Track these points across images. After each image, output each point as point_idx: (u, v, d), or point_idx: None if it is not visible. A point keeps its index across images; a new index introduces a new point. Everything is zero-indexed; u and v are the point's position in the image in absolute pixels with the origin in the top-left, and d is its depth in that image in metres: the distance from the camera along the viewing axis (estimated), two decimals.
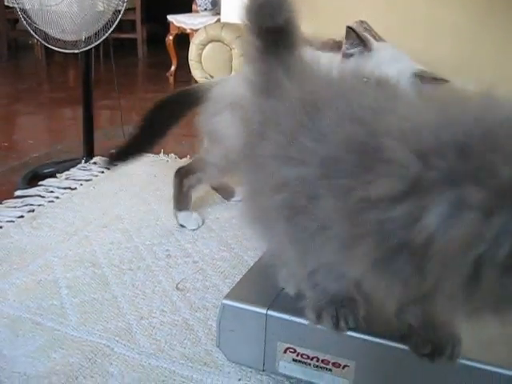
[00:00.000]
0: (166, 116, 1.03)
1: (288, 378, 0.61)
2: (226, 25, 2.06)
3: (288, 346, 0.59)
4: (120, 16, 2.03)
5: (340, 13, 2.46)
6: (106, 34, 1.91)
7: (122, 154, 1.05)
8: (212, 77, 2.03)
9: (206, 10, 3.90)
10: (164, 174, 1.20)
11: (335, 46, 2.32)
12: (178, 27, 3.90)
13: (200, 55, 2.00)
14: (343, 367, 0.57)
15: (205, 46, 1.99)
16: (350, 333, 0.56)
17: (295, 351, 0.59)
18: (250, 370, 0.63)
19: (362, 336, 0.56)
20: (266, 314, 0.59)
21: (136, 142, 1.03)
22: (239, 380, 0.62)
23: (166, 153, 1.33)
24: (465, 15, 2.26)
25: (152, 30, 4.96)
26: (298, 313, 0.58)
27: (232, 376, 0.62)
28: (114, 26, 1.94)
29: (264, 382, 0.61)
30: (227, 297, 0.61)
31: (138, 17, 4.73)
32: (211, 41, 1.98)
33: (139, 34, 4.91)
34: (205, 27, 2.02)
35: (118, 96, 1.96)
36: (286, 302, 0.60)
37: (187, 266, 0.84)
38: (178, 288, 0.79)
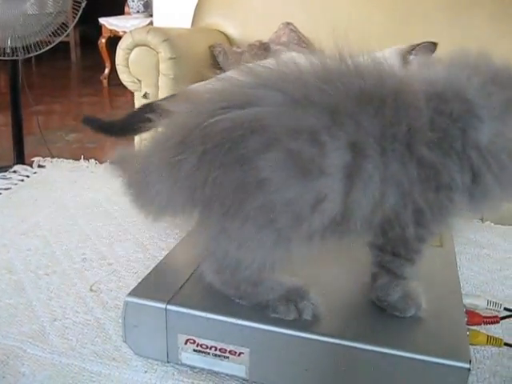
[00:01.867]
0: None
1: (191, 367, 0.65)
2: (153, 29, 2.08)
3: (188, 337, 0.63)
4: (71, 27, 2.01)
5: (266, 15, 2.52)
6: (59, 39, 1.90)
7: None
8: (139, 81, 2.05)
9: (138, 12, 3.90)
10: (84, 180, 1.22)
11: (262, 48, 2.38)
12: (111, 30, 3.90)
13: (127, 59, 2.01)
14: (239, 354, 0.62)
15: (131, 50, 2.00)
16: (241, 321, 0.61)
17: (195, 342, 0.63)
18: (156, 362, 0.67)
19: (252, 324, 0.61)
20: (166, 309, 0.63)
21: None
22: (145, 372, 0.65)
23: (86, 158, 1.35)
24: (396, 15, 2.36)
25: (85, 33, 4.92)
26: (196, 306, 0.63)
27: (139, 369, 0.66)
28: (68, 30, 1.94)
29: (169, 372, 0.65)
30: (130, 294, 0.65)
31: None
32: (137, 45, 1.99)
33: (72, 37, 4.87)
34: (131, 31, 2.04)
35: (31, 103, 1.97)
36: (184, 296, 0.65)
37: (102, 269, 0.87)
38: (91, 290, 0.82)
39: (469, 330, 0.67)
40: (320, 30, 2.40)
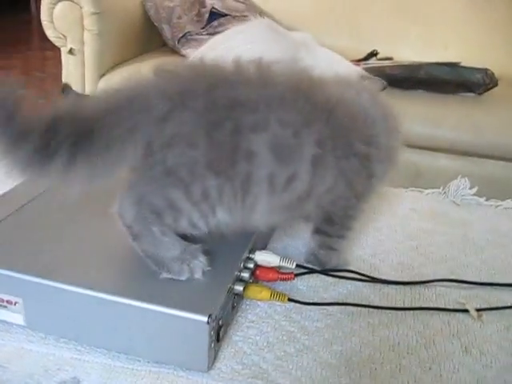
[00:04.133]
0: None
1: None
2: None
3: None
4: None
5: None
6: None
7: None
8: (65, 36, 2.04)
9: None
10: None
11: (196, 2, 2.35)
12: None
13: (51, 15, 2.00)
14: (14, 303, 0.66)
15: (55, 4, 1.98)
16: (11, 273, 0.65)
17: None
18: None
19: (21, 276, 0.65)
20: None
21: None
22: None
23: None
24: None
25: None
26: None
27: None
28: None
29: None
30: None
31: None
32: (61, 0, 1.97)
33: None
34: None
35: None
36: None
37: None
38: None
39: (247, 285, 0.71)
40: None
